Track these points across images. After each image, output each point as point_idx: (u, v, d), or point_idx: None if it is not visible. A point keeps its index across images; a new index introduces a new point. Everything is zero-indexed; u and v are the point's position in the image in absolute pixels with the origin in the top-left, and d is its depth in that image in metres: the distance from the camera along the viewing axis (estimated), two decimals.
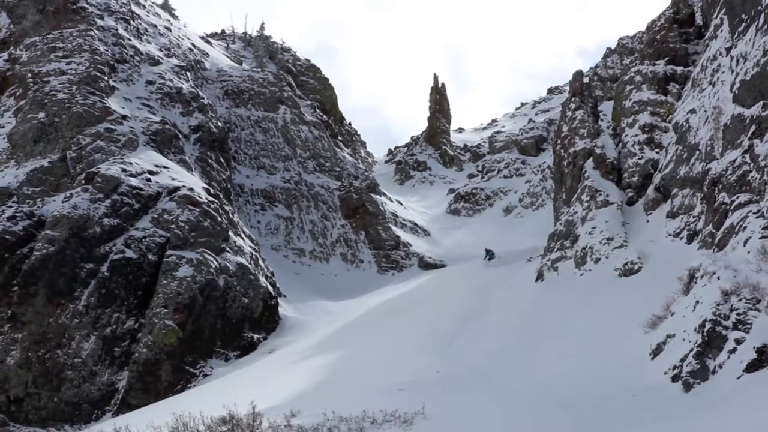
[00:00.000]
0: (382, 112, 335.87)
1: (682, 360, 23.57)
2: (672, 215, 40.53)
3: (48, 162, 57.43)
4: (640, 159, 47.31)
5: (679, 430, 19.21)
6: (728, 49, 37.93)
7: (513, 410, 23.39)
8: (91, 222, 51.49)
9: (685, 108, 42.91)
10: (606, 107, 55.74)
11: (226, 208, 60.06)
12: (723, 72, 37.90)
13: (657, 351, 25.92)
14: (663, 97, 48.84)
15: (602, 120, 53.80)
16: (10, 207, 53.61)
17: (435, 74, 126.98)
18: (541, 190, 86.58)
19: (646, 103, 49.04)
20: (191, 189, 56.78)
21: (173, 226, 53.82)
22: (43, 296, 49.13)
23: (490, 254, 64.85)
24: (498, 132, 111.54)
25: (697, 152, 39.21)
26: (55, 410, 47.34)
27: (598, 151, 49.27)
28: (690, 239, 37.40)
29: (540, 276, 47.06)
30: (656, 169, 45.56)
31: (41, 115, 59.84)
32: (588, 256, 43.21)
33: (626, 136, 49.18)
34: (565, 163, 52.86)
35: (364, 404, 23.97)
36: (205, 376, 49.77)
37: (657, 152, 46.85)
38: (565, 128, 54.28)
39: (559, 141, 55.50)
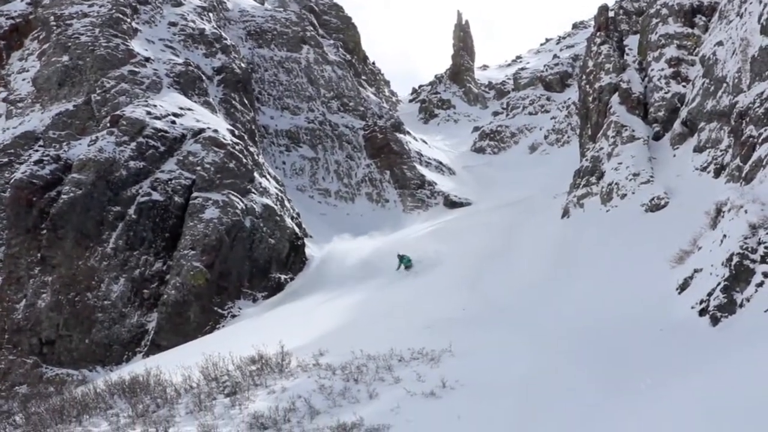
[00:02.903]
0: (406, 54, 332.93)
1: (709, 294, 23.45)
2: (699, 149, 40.03)
3: (73, 105, 57.59)
4: (666, 93, 46.66)
5: (706, 363, 19.17)
6: None
7: (539, 347, 23.44)
8: (117, 165, 51.74)
9: (712, 40, 42.15)
10: (632, 41, 54.83)
11: (251, 149, 60.12)
12: (751, 3, 37.10)
13: (684, 286, 25.79)
14: (689, 30, 47.99)
15: (628, 54, 52.99)
16: (37, 151, 53.97)
17: (459, 11, 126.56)
18: (567, 127, 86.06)
19: (672, 36, 48.22)
20: (216, 131, 56.83)
21: (198, 168, 53.97)
22: (71, 239, 49.65)
23: (403, 261, 49.33)
24: (522, 69, 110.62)
25: (725, 85, 38.61)
26: (87, 352, 48.13)
27: (623, 85, 48.65)
28: (717, 173, 36.97)
29: (566, 213, 46.85)
30: (683, 103, 44.94)
31: (65, 58, 59.89)
32: (614, 192, 42.90)
33: (652, 70, 48.48)
34: (590, 98, 52.29)
35: (391, 343, 24.14)
36: (234, 317, 50.27)
37: (684, 86, 46.15)
38: (590, 63, 53.62)
39: (584, 76, 54.85)
